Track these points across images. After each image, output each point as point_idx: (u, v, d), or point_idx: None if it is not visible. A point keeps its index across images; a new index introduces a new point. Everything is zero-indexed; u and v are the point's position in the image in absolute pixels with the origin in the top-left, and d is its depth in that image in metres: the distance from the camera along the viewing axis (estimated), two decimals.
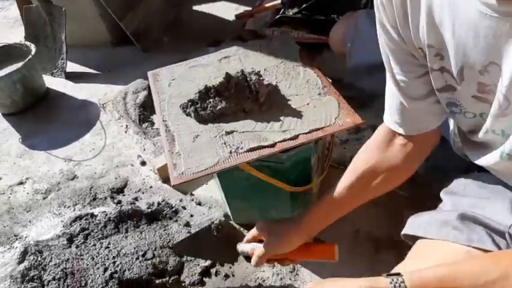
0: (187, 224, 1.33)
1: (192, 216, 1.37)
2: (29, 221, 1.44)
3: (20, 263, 1.23)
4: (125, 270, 1.17)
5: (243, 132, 1.06)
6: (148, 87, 1.82)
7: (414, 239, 0.76)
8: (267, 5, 2.27)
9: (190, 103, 1.15)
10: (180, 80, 1.30)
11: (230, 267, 1.21)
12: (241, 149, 1.02)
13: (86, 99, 2.00)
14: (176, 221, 1.35)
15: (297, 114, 1.09)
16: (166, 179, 1.50)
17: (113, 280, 1.13)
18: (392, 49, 0.72)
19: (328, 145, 1.23)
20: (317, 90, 1.16)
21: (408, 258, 0.74)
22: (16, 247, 1.32)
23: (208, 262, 1.21)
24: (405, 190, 1.31)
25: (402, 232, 0.79)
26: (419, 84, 0.73)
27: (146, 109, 1.77)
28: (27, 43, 2.07)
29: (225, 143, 1.05)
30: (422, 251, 0.73)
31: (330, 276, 1.14)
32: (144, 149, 1.57)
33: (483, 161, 0.72)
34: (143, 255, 1.21)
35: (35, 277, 1.17)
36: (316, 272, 1.17)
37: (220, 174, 1.13)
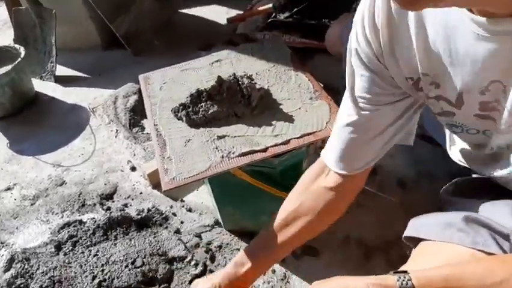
0: (178, 231, 1.31)
1: (182, 223, 1.35)
2: (16, 228, 1.41)
3: (6, 271, 1.20)
4: (114, 279, 1.14)
5: (235, 136, 1.05)
6: (139, 91, 1.80)
7: (416, 241, 0.74)
8: (259, 9, 2.27)
9: (181, 107, 1.13)
10: (172, 83, 1.28)
11: None
12: (233, 153, 1.01)
13: (75, 103, 1.97)
14: (166, 227, 1.33)
15: (289, 118, 1.08)
16: (156, 185, 1.48)
17: None
18: (367, 81, 0.69)
19: (320, 149, 1.22)
20: (309, 94, 1.15)
21: (412, 260, 0.73)
22: (2, 255, 1.29)
23: (199, 270, 1.19)
24: (396, 196, 1.31)
25: (404, 234, 0.77)
26: (382, 112, 0.71)
27: (137, 113, 1.74)
28: (17, 46, 2.04)
29: (216, 148, 1.03)
30: (426, 253, 0.72)
31: None
32: (134, 154, 1.55)
33: (491, 173, 0.71)
34: (132, 263, 1.19)
35: (22, 285, 1.14)
36: (307, 279, 1.16)
37: (212, 180, 1.12)
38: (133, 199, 1.45)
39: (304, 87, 1.17)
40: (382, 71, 0.67)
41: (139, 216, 1.34)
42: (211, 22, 2.46)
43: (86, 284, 1.12)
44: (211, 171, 0.99)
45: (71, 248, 1.25)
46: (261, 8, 2.26)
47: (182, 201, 1.42)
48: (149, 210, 1.38)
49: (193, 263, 1.21)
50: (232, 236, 1.28)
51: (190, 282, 1.17)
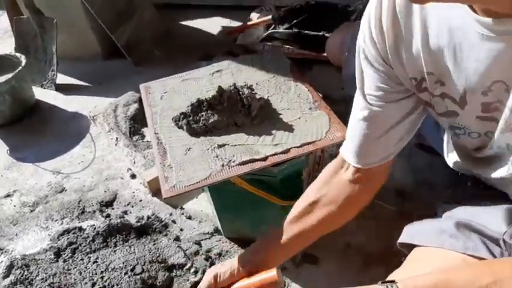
0: (177, 238, 1.32)
1: (181, 230, 1.36)
2: (16, 235, 1.41)
3: (5, 277, 1.20)
4: (113, 286, 1.15)
5: (235, 145, 1.07)
6: (139, 100, 1.82)
7: (410, 247, 0.76)
8: (258, 20, 2.30)
9: (182, 116, 1.15)
10: (172, 93, 1.30)
11: None
12: (233, 162, 1.02)
13: (76, 112, 1.99)
14: (166, 235, 1.33)
15: (289, 128, 1.10)
16: (156, 193, 1.49)
17: None
18: (374, 78, 0.71)
19: (319, 159, 1.24)
20: (308, 104, 1.17)
21: (404, 266, 0.74)
22: (2, 261, 1.29)
23: (198, 277, 1.20)
24: (395, 205, 1.33)
25: (399, 240, 0.79)
26: (392, 108, 0.73)
27: (137, 122, 1.76)
28: (18, 54, 2.06)
29: (217, 156, 1.05)
30: (418, 259, 0.73)
31: None
32: (134, 162, 1.56)
33: (489, 173, 0.72)
34: (132, 270, 1.19)
35: None
36: (307, 287, 1.17)
37: (212, 188, 1.13)
38: (132, 206, 1.46)
39: (304, 98, 1.19)
40: (388, 71, 0.69)
41: (139, 224, 1.35)
42: (211, 33, 2.49)
43: None
44: (211, 180, 1.00)
45: (70, 254, 1.25)
46: (260, 20, 2.29)
47: (182, 208, 1.43)
48: (149, 217, 1.39)
49: (192, 270, 1.22)
50: (232, 243, 1.29)
51: None
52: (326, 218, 0.85)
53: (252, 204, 1.13)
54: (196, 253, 1.27)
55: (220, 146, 1.07)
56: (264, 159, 1.02)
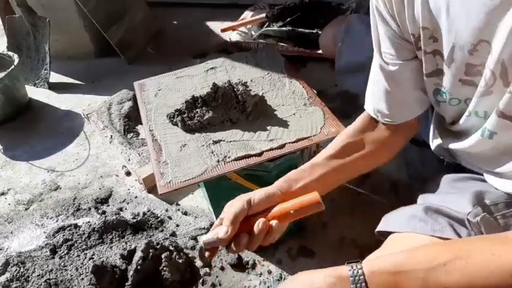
0: (173, 234, 1.32)
1: (177, 226, 1.36)
2: (11, 232, 1.41)
3: (1, 274, 1.20)
4: None
5: (230, 141, 1.08)
6: (133, 98, 1.82)
7: (387, 235, 0.79)
8: (252, 18, 2.31)
9: (177, 113, 1.16)
10: (167, 90, 1.31)
11: (217, 277, 1.20)
12: (229, 157, 1.03)
13: (69, 110, 1.99)
14: (162, 231, 1.34)
15: (284, 124, 1.11)
16: (151, 189, 1.49)
17: None
18: (387, 35, 0.76)
19: (314, 154, 1.25)
20: (303, 100, 1.19)
21: (378, 251, 0.77)
22: None
23: None
24: (389, 198, 1.35)
25: (376, 230, 0.82)
26: (408, 67, 0.77)
27: (131, 119, 1.76)
28: (10, 53, 2.05)
29: (212, 152, 1.06)
30: (391, 244, 0.77)
31: None
32: (129, 159, 1.56)
33: (464, 143, 0.75)
34: None
35: None
36: None
37: (207, 184, 1.14)
38: (128, 203, 1.46)
39: (298, 94, 1.21)
40: (397, 27, 0.73)
41: (135, 220, 1.35)
42: (205, 33, 2.50)
43: (82, 286, 1.13)
44: (207, 175, 1.01)
45: (66, 251, 1.25)
46: (254, 18, 2.30)
47: (177, 204, 1.43)
48: (144, 214, 1.39)
49: None
50: None
51: None
52: (363, 157, 0.86)
53: None
54: (193, 248, 1.27)
55: (215, 142, 1.08)
56: (260, 154, 1.03)
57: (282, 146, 1.04)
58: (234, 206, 0.74)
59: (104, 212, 1.43)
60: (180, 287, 1.15)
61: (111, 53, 2.26)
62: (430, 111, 0.93)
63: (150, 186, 1.48)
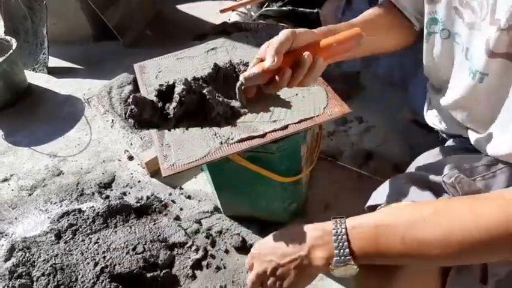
0: (177, 218, 1.33)
1: (181, 209, 1.36)
2: (15, 218, 1.41)
3: (7, 260, 1.21)
4: (115, 265, 1.16)
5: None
6: (133, 81, 1.80)
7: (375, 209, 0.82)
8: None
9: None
10: (167, 72, 1.29)
11: (221, 260, 1.21)
12: (232, 139, 1.02)
13: (70, 95, 1.97)
14: (166, 214, 1.34)
15: (287, 104, 1.10)
16: (154, 173, 1.49)
17: (104, 274, 1.13)
18: None
19: (316, 136, 1.24)
20: None
21: None
22: (2, 244, 1.30)
23: (200, 255, 1.21)
24: None
25: (365, 206, 0.85)
26: None
27: None
28: (8, 37, 2.02)
29: (215, 134, 1.04)
30: None
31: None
32: (131, 144, 1.55)
33: (456, 92, 0.76)
34: (133, 250, 1.20)
35: (24, 273, 1.15)
36: None
37: (211, 166, 1.13)
38: (131, 187, 1.46)
39: None
40: None
41: (138, 204, 1.36)
42: (204, 15, 2.46)
43: (88, 270, 1.14)
44: (210, 157, 1.00)
45: (71, 236, 1.26)
46: None
47: (181, 188, 1.43)
48: (148, 198, 1.39)
49: (193, 248, 1.23)
50: (232, 221, 1.30)
51: (192, 267, 1.19)
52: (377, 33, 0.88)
53: (251, 181, 1.13)
54: (197, 231, 1.28)
55: None
56: (263, 135, 1.02)
57: (285, 127, 1.03)
58: (277, 38, 0.74)
59: (107, 197, 1.43)
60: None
61: (109, 36, 2.23)
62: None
63: (153, 170, 1.48)
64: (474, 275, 0.70)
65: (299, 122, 1.04)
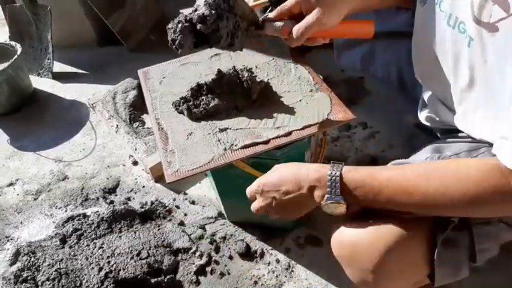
0: (181, 223, 1.33)
1: (185, 215, 1.37)
2: (21, 223, 1.42)
3: (12, 264, 1.22)
4: (120, 270, 1.16)
5: (237, 129, 1.07)
6: (138, 87, 1.81)
7: None
8: (255, 3, 2.27)
9: (182, 101, 1.15)
10: (171, 77, 1.30)
11: (225, 266, 1.21)
12: (236, 146, 1.02)
13: (74, 100, 1.98)
14: (170, 220, 1.35)
15: (290, 110, 1.10)
16: (158, 179, 1.49)
17: (109, 280, 1.13)
18: None
19: (320, 142, 1.24)
20: (309, 86, 1.17)
21: None
22: (8, 248, 1.31)
23: (204, 260, 1.22)
24: None
25: None
26: None
27: (137, 108, 1.76)
28: (13, 43, 2.04)
29: (219, 140, 1.05)
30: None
31: (324, 272, 1.17)
32: (136, 149, 1.56)
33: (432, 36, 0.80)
34: (137, 255, 1.21)
35: (29, 278, 1.16)
36: (310, 268, 1.18)
37: (214, 172, 1.14)
38: (135, 192, 1.47)
39: (304, 80, 1.19)
40: None
41: (143, 209, 1.36)
42: None
43: (92, 275, 1.14)
44: (214, 164, 1.00)
45: (76, 241, 1.27)
46: (257, 2, 2.26)
47: (185, 194, 1.44)
48: (152, 203, 1.40)
49: (198, 254, 1.23)
50: (236, 227, 1.30)
51: (196, 272, 1.19)
52: None
53: None
54: (201, 237, 1.28)
55: (222, 130, 1.07)
56: (266, 142, 1.02)
57: (289, 134, 1.03)
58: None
59: (112, 202, 1.43)
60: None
61: (113, 41, 2.24)
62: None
63: (157, 175, 1.48)
64: (461, 252, 0.72)
65: (303, 128, 1.04)
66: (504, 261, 1.10)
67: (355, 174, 0.70)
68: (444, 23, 0.75)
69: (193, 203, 1.40)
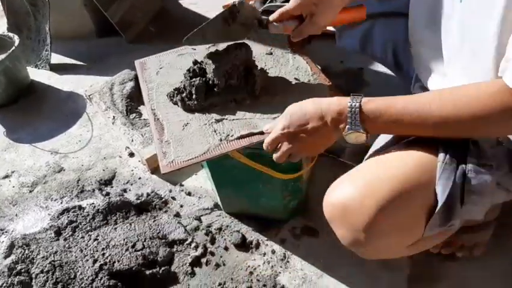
0: (177, 215, 1.32)
1: (181, 206, 1.35)
2: (16, 215, 1.41)
3: (6, 256, 1.21)
4: (114, 262, 1.15)
5: (233, 120, 1.05)
6: (135, 78, 1.79)
7: None
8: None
9: (176, 92, 1.13)
10: (168, 68, 1.28)
11: (221, 257, 1.20)
12: (232, 136, 1.01)
13: (71, 91, 1.97)
14: (166, 211, 1.33)
15: (287, 101, 1.08)
16: (154, 170, 1.48)
17: (103, 271, 1.12)
18: None
19: None
20: (307, 77, 1.15)
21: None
22: (2, 241, 1.30)
23: (199, 252, 1.20)
24: None
25: None
26: None
27: (134, 100, 1.74)
28: (11, 34, 2.02)
29: (215, 131, 1.03)
30: None
31: (319, 263, 1.15)
32: (132, 140, 1.55)
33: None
34: (132, 247, 1.20)
35: (23, 270, 1.15)
36: (306, 259, 1.17)
37: (210, 163, 1.12)
38: (131, 184, 1.46)
39: (302, 70, 1.17)
40: None
41: (139, 201, 1.35)
42: (207, 11, 2.44)
43: (87, 267, 1.13)
44: (209, 154, 0.99)
45: (71, 233, 1.25)
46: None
47: (181, 185, 1.42)
48: (148, 194, 1.38)
49: (193, 245, 1.22)
50: (232, 218, 1.29)
51: (191, 264, 1.18)
52: None
53: (250, 178, 1.12)
54: (197, 228, 1.27)
55: (218, 121, 1.06)
56: (262, 132, 1.01)
57: None
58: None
59: (108, 194, 1.42)
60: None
61: (112, 32, 2.22)
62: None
63: (153, 167, 1.47)
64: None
65: None
66: (502, 246, 1.10)
67: (373, 104, 0.75)
68: None
69: (189, 194, 1.39)
